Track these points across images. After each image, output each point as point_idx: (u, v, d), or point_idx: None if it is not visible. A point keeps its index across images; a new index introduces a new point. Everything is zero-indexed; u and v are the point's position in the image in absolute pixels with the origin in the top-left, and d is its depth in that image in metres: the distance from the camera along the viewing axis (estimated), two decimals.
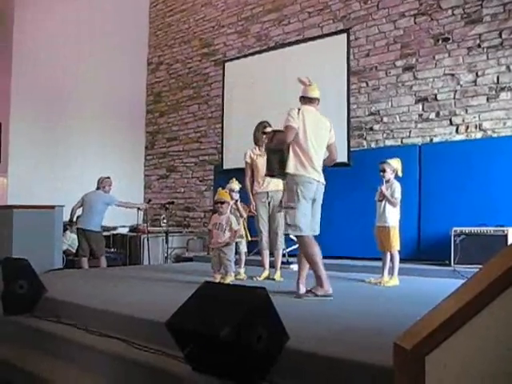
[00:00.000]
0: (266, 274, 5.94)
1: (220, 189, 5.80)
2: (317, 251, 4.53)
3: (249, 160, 6.12)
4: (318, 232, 4.68)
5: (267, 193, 5.93)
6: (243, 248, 6.27)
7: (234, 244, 5.61)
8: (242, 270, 6.09)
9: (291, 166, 4.49)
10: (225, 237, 5.46)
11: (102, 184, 8.10)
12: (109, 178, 8.15)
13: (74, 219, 7.92)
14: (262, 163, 5.90)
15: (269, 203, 5.92)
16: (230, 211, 5.71)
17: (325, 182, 4.66)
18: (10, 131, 9.54)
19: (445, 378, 1.64)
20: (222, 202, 5.53)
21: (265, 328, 2.53)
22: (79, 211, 7.93)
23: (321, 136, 4.67)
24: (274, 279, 5.83)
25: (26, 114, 9.86)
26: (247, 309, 2.54)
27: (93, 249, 7.83)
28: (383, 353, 2.25)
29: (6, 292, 4.45)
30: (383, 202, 5.55)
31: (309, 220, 4.55)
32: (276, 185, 5.90)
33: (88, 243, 7.71)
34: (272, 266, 6.03)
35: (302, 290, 4.60)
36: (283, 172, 4.55)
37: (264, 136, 5.89)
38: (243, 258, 6.27)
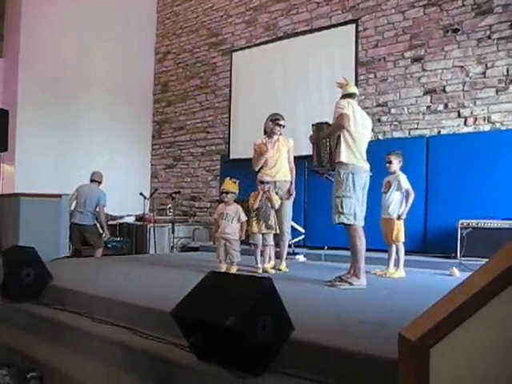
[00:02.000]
0: (272, 264, 5.94)
1: (227, 178, 5.74)
2: (364, 242, 4.66)
3: (258, 149, 6.10)
4: (363, 223, 4.74)
5: (275, 182, 5.90)
6: (271, 241, 5.81)
7: (243, 234, 5.59)
8: (272, 264, 5.89)
9: (344, 156, 4.57)
10: (232, 227, 5.45)
11: (99, 179, 8.20)
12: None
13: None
14: (271, 154, 5.93)
15: (276, 193, 5.90)
16: (261, 201, 5.65)
17: (371, 173, 4.78)
18: (18, 119, 9.55)
19: (449, 370, 1.64)
20: (227, 192, 5.52)
21: (270, 318, 2.54)
22: (73, 204, 7.94)
23: (366, 128, 4.83)
24: (279, 269, 5.83)
25: (33, 103, 9.87)
26: (252, 298, 2.54)
27: (89, 242, 7.94)
28: (388, 344, 2.25)
29: (13, 279, 4.48)
30: (388, 193, 5.54)
31: (360, 209, 4.65)
32: (284, 175, 5.91)
33: (83, 237, 7.77)
34: (277, 256, 6.04)
35: (364, 282, 4.64)
36: (332, 162, 4.64)
37: (277, 127, 5.91)
38: (272, 251, 5.96)
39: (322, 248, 7.56)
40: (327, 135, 4.76)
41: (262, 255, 5.80)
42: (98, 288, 4.34)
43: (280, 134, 6.01)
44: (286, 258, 6.03)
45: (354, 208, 4.59)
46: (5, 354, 3.78)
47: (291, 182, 5.94)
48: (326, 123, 4.82)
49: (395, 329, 1.85)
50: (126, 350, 3.16)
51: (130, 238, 9.31)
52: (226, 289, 2.74)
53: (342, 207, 4.56)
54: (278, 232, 5.78)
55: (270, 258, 5.89)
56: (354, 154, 4.61)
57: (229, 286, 2.78)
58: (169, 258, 7.52)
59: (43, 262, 4.71)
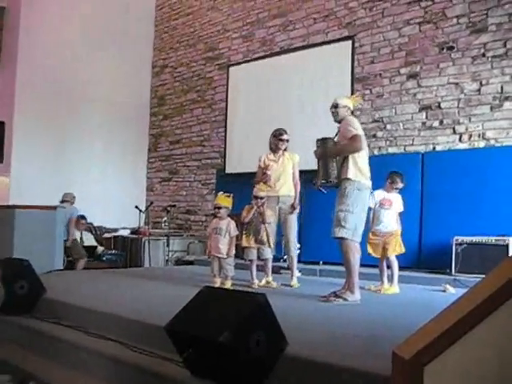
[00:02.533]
0: (268, 279, 5.89)
1: (220, 193, 5.74)
2: (358, 258, 4.71)
3: (262, 165, 6.10)
4: (360, 239, 4.80)
5: (278, 197, 5.89)
6: (267, 254, 5.77)
7: (233, 249, 5.57)
8: (270, 279, 5.79)
9: (352, 173, 4.64)
10: (224, 241, 5.45)
11: (70, 199, 8.52)
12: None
13: None
14: (275, 168, 5.96)
15: (279, 208, 5.88)
16: (254, 215, 5.64)
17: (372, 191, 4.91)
18: (14, 131, 9.56)
19: None
20: (220, 207, 5.52)
21: (264, 333, 2.53)
22: None
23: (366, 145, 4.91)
24: (291, 286, 5.77)
25: (29, 114, 9.88)
26: (246, 314, 2.54)
27: (73, 256, 8.05)
28: (381, 361, 2.25)
29: (6, 292, 4.45)
30: (391, 210, 5.60)
31: (360, 226, 4.71)
32: (288, 189, 5.91)
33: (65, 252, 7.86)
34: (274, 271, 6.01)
35: (358, 297, 4.69)
36: (338, 179, 4.66)
37: (280, 142, 5.94)
38: (269, 265, 5.85)
39: (317, 263, 7.54)
40: (338, 153, 4.72)
41: (263, 270, 5.79)
42: (92, 301, 4.32)
43: (285, 149, 6.02)
44: (290, 274, 5.97)
45: (355, 224, 4.64)
46: None
47: (295, 197, 5.92)
48: (331, 139, 4.80)
49: (389, 345, 1.85)
50: (118, 365, 3.14)
51: (125, 251, 9.27)
52: (220, 304, 2.74)
53: (344, 221, 4.59)
54: (271, 247, 5.75)
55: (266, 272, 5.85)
56: (360, 171, 4.68)
57: (223, 301, 2.77)
58: (163, 272, 7.50)
59: (37, 274, 4.70)
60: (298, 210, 5.98)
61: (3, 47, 10.39)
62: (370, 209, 5.56)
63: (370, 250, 5.63)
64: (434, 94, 7.64)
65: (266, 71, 9.12)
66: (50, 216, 7.16)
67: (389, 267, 5.57)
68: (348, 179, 4.64)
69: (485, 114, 7.17)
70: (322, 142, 4.78)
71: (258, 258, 5.77)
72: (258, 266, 5.87)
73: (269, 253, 5.76)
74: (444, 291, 5.57)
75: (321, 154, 4.73)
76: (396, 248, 5.54)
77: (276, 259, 6.57)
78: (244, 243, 5.72)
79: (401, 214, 5.70)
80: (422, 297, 5.35)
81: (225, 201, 5.55)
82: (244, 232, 5.72)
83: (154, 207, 10.71)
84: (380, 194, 5.66)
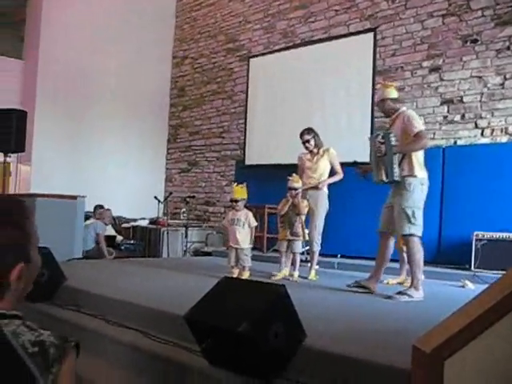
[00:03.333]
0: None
1: (235, 185, 5.72)
2: (423, 254, 4.66)
3: (299, 163, 6.16)
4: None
5: (306, 192, 5.88)
6: (297, 249, 5.68)
7: (250, 240, 5.58)
8: (296, 273, 5.66)
9: (417, 169, 4.60)
10: (243, 232, 5.46)
11: (101, 216, 8.64)
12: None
13: None
14: (308, 166, 5.98)
15: (307, 200, 5.84)
16: (289, 208, 5.59)
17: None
18: (35, 121, 9.65)
19: (463, 383, 1.63)
20: (237, 201, 5.52)
21: (282, 324, 2.54)
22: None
23: None
24: (306, 278, 5.73)
25: (51, 105, 9.98)
26: (265, 305, 2.54)
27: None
28: (400, 354, 2.25)
29: None
30: None
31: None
32: (316, 183, 5.92)
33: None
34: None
35: (376, 287, 4.76)
36: (398, 176, 4.58)
37: (305, 144, 5.99)
38: (298, 259, 5.73)
39: (335, 256, 7.53)
40: (404, 151, 4.62)
41: (292, 263, 5.73)
42: (112, 290, 4.36)
43: (316, 146, 6.00)
44: (308, 266, 5.94)
45: (421, 219, 4.63)
46: None
47: (325, 180, 5.92)
48: (392, 133, 4.62)
49: (408, 339, 1.84)
50: (137, 353, 3.17)
51: (144, 241, 9.34)
52: (239, 295, 2.75)
53: (414, 218, 4.54)
54: (307, 239, 5.71)
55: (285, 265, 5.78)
56: (420, 166, 4.66)
57: (242, 292, 2.78)
58: (182, 262, 7.54)
59: (57, 262, 4.75)
60: (322, 185, 5.91)
61: (26, 39, 10.50)
62: None
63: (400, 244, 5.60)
64: (456, 87, 7.56)
65: (287, 63, 9.10)
66: (70, 205, 7.23)
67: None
68: (413, 176, 4.60)
69: (508, 109, 7.08)
70: (385, 135, 4.63)
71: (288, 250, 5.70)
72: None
73: (299, 247, 5.69)
74: (463, 287, 5.53)
75: (385, 150, 4.58)
76: None
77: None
78: (279, 236, 5.73)
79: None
80: (441, 292, 5.31)
81: (241, 193, 5.55)
82: (280, 225, 5.72)
83: (172, 198, 10.75)
84: None
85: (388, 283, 5.53)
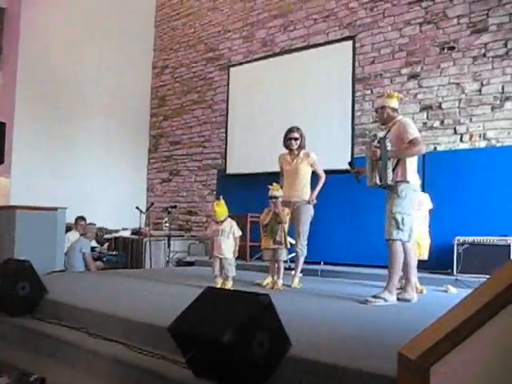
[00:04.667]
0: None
1: (215, 205, 5.52)
2: (403, 259, 4.71)
3: (279, 164, 6.14)
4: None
5: (290, 202, 5.86)
6: (281, 257, 5.64)
7: (235, 250, 5.55)
8: (280, 281, 5.61)
9: (409, 174, 4.66)
10: (228, 243, 5.43)
11: (82, 231, 8.58)
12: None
13: None
14: (288, 169, 5.97)
15: (292, 211, 5.82)
16: (271, 217, 5.56)
17: None
18: (14, 132, 9.55)
19: None
20: (222, 221, 5.46)
21: (267, 334, 2.53)
22: None
23: None
24: (289, 286, 5.70)
25: (30, 116, 9.87)
26: (249, 315, 2.53)
27: None
28: (386, 362, 2.24)
29: (7, 293, 4.44)
30: (420, 211, 5.63)
31: (414, 227, 4.76)
32: (300, 195, 5.89)
33: None
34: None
35: (415, 296, 4.80)
36: (391, 180, 4.63)
37: (290, 142, 5.93)
38: (281, 267, 5.67)
39: (318, 263, 7.54)
40: (398, 156, 4.67)
41: (276, 272, 5.71)
42: (94, 302, 4.31)
43: (299, 148, 5.97)
44: (292, 274, 5.90)
45: (411, 226, 4.67)
46: None
47: (316, 190, 5.93)
48: (387, 138, 4.68)
49: (394, 345, 1.84)
50: (121, 366, 3.13)
51: (126, 252, 9.25)
52: (223, 305, 2.73)
53: (403, 224, 4.59)
54: (289, 247, 5.69)
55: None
56: (413, 172, 4.73)
57: (226, 301, 2.77)
58: (165, 273, 7.49)
59: (38, 275, 4.69)
60: (315, 202, 5.94)
61: (3, 48, 10.38)
62: None
63: None
64: (434, 94, 7.64)
65: (267, 72, 9.12)
66: (51, 217, 7.14)
67: None
68: (406, 181, 4.65)
69: (486, 114, 7.18)
70: (380, 140, 4.69)
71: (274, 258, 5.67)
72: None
73: (283, 255, 5.66)
74: (446, 291, 5.56)
75: (380, 154, 4.63)
76: (425, 252, 5.62)
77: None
78: (263, 245, 5.70)
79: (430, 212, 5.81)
80: (424, 297, 5.33)
81: (223, 211, 5.44)
82: (263, 234, 5.69)
83: (154, 208, 10.70)
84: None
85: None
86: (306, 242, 5.88)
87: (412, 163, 4.71)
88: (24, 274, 4.57)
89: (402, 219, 4.58)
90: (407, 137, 4.63)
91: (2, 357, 3.89)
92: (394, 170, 4.65)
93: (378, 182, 4.65)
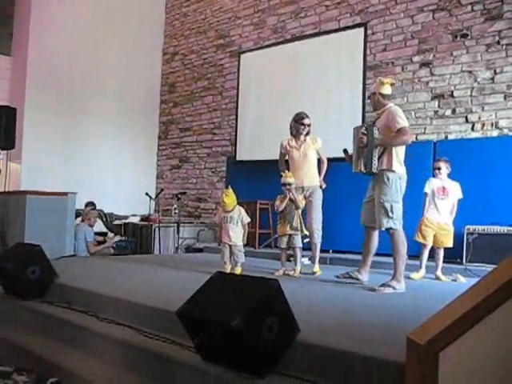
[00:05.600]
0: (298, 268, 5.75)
1: (225, 193, 5.50)
2: (406, 246, 4.75)
3: (283, 150, 6.08)
4: None
5: (302, 187, 5.83)
6: (298, 243, 5.62)
7: (244, 236, 5.58)
8: (298, 268, 5.58)
9: (395, 163, 4.67)
10: (237, 230, 5.45)
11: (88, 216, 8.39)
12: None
13: None
14: (296, 156, 5.92)
15: (304, 197, 5.81)
16: (287, 204, 5.54)
17: None
18: (25, 118, 9.58)
19: (458, 374, 1.63)
20: (231, 210, 5.45)
21: (275, 319, 2.53)
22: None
23: None
24: (313, 273, 5.69)
25: (40, 101, 9.90)
26: (258, 299, 2.54)
27: None
28: (394, 347, 2.24)
29: (18, 277, 4.49)
30: (446, 198, 5.71)
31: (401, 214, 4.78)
32: (311, 179, 5.87)
33: None
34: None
35: (366, 277, 4.92)
36: (376, 168, 4.66)
37: (302, 127, 5.88)
38: (299, 254, 5.63)
39: (327, 251, 7.53)
40: (385, 144, 4.69)
41: (290, 259, 5.74)
42: (103, 286, 4.34)
43: (307, 134, 5.94)
44: (312, 261, 5.93)
45: (400, 213, 4.69)
46: (9, 352, 3.79)
47: (322, 176, 5.95)
48: (375, 126, 4.72)
49: (403, 332, 1.84)
50: (130, 349, 3.16)
51: (135, 238, 9.29)
52: (232, 290, 2.74)
53: (392, 212, 4.63)
54: (306, 233, 5.69)
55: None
56: (400, 161, 4.73)
57: (235, 286, 2.77)
58: (174, 259, 7.52)
59: (49, 259, 4.72)
60: (324, 186, 5.97)
61: (14, 35, 10.40)
62: (425, 195, 5.76)
63: (419, 237, 5.72)
64: (446, 82, 7.57)
65: (277, 59, 9.07)
66: (61, 202, 7.18)
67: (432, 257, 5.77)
68: (391, 170, 4.67)
69: (498, 103, 7.10)
70: (368, 127, 4.71)
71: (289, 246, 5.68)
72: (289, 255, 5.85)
73: (299, 241, 5.65)
74: (455, 280, 5.56)
75: (367, 142, 4.66)
76: (451, 240, 5.71)
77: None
78: (279, 232, 5.71)
79: (459, 201, 5.82)
80: (433, 285, 5.34)
81: (232, 201, 5.43)
82: (279, 221, 5.69)
83: (164, 195, 10.71)
84: (436, 182, 5.76)
85: (414, 278, 5.54)
86: (320, 228, 5.85)
87: (398, 153, 4.70)
88: (34, 258, 4.61)
89: (391, 207, 4.62)
90: (395, 126, 4.63)
91: (11, 339, 3.94)
92: (379, 158, 4.68)
93: (362, 169, 4.70)
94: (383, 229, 4.70)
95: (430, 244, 5.71)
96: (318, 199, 5.88)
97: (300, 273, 5.61)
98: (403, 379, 1.77)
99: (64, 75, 10.17)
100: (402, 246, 4.68)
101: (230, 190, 5.49)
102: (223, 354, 2.61)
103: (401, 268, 4.66)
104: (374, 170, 4.64)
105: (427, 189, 5.73)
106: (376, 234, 4.92)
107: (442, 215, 5.69)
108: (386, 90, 4.90)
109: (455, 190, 5.77)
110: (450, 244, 5.72)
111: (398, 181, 4.68)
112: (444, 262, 6.48)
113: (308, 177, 5.88)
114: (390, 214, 4.61)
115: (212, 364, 2.65)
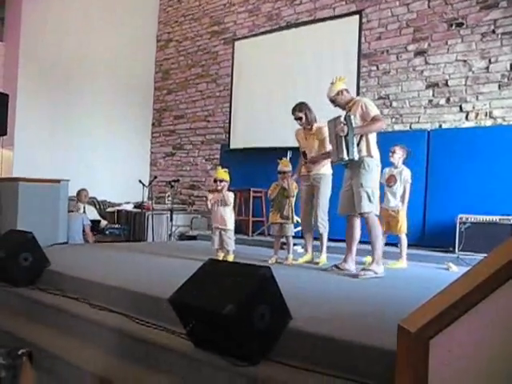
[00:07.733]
0: (307, 257, 5.82)
1: (219, 167, 5.81)
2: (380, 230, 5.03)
3: (297, 137, 6.06)
4: None
5: (309, 176, 5.80)
6: (289, 231, 5.65)
7: (233, 221, 5.59)
8: (291, 256, 5.64)
9: (373, 150, 4.92)
10: (226, 212, 5.48)
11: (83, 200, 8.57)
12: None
13: None
14: (304, 145, 5.90)
15: (310, 185, 5.80)
16: (279, 192, 5.60)
17: None
18: (17, 104, 9.50)
19: (449, 362, 1.63)
20: (221, 180, 5.52)
21: (267, 307, 2.53)
22: None
23: None
24: (317, 263, 5.68)
25: (33, 87, 9.82)
26: (250, 287, 2.54)
27: None
28: (386, 335, 2.25)
29: (10, 264, 4.47)
30: (395, 187, 5.73)
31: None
32: (318, 168, 5.81)
33: None
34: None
35: (353, 266, 5.02)
36: (353, 155, 4.81)
37: (296, 120, 5.88)
38: (291, 242, 5.70)
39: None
40: (363, 132, 4.86)
41: (284, 247, 5.78)
42: (96, 274, 4.33)
43: (308, 123, 5.84)
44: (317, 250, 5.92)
45: (377, 199, 4.93)
46: (1, 338, 3.78)
47: (322, 154, 5.81)
48: (353, 116, 4.85)
49: (395, 320, 1.84)
50: (122, 336, 3.16)
51: (128, 226, 9.29)
52: (224, 277, 2.74)
53: (373, 196, 4.83)
54: (294, 222, 5.70)
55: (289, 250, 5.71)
56: (376, 149, 4.96)
57: (227, 274, 2.77)
58: (167, 246, 7.52)
59: (41, 246, 4.71)
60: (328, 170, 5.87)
61: (6, 20, 10.29)
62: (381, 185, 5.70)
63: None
64: (441, 71, 7.56)
65: (272, 46, 9.03)
66: (53, 189, 7.14)
67: (399, 242, 5.78)
68: (370, 156, 4.88)
69: (492, 93, 7.10)
70: (346, 118, 4.85)
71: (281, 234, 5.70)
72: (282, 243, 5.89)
73: (291, 230, 5.67)
74: (447, 269, 5.58)
75: (347, 131, 4.81)
76: (403, 228, 5.70)
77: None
78: (270, 219, 5.78)
79: (411, 186, 5.78)
80: (425, 274, 5.36)
81: (224, 175, 5.58)
82: (271, 209, 5.74)
83: (157, 182, 10.69)
84: (386, 172, 5.72)
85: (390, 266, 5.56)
86: (326, 217, 5.81)
87: (373, 139, 4.94)
88: (27, 246, 4.60)
89: (372, 192, 4.84)
90: (369, 115, 4.87)
91: (3, 326, 3.93)
92: (358, 145, 4.87)
93: (345, 156, 4.82)
94: (363, 211, 4.84)
95: (382, 231, 5.63)
96: (324, 186, 5.78)
97: (293, 260, 5.63)
98: (394, 366, 1.78)
99: (56, 61, 10.08)
100: (378, 230, 4.92)
101: (227, 170, 5.67)
102: (215, 342, 2.61)
103: (379, 251, 4.87)
104: (356, 157, 4.81)
105: (382, 179, 5.66)
106: (358, 221, 5.04)
107: (390, 202, 5.75)
108: (345, 84, 5.18)
109: (404, 176, 5.74)
110: (400, 231, 5.71)
111: (375, 168, 4.92)
112: (436, 250, 6.53)
113: (315, 165, 5.85)
114: (372, 199, 4.82)
115: (204, 351, 2.65)
